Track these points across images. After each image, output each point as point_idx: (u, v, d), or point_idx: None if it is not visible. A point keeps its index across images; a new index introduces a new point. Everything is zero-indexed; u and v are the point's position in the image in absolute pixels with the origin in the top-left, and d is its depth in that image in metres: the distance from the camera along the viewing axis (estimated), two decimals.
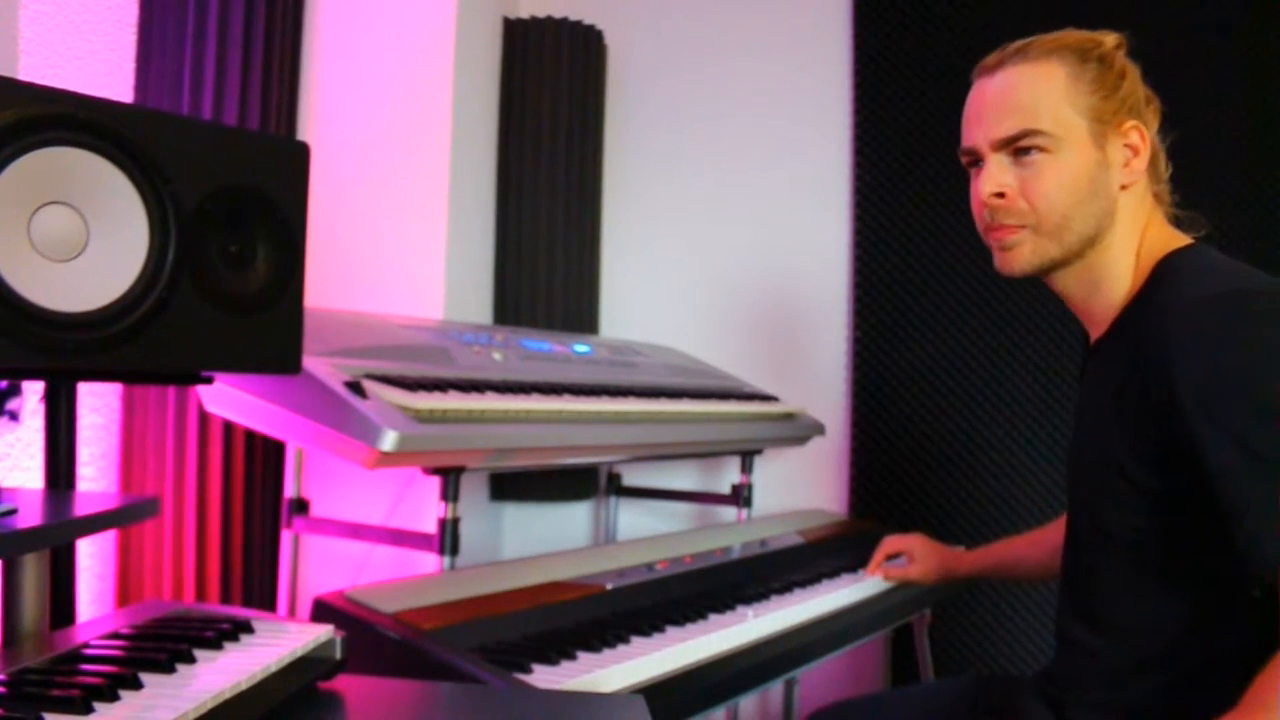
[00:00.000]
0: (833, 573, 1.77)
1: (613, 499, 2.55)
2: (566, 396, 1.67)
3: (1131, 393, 1.04)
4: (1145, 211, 1.14)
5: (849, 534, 2.15)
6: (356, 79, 2.21)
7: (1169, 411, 0.98)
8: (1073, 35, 1.13)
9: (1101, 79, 1.10)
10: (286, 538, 1.90)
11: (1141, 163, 1.12)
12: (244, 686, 0.78)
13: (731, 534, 2.00)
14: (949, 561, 1.71)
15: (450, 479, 1.53)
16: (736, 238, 2.58)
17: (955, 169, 1.21)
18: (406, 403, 1.38)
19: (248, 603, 2.03)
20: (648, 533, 2.42)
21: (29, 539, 0.85)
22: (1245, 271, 1.04)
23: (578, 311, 2.51)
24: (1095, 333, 1.17)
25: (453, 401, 1.46)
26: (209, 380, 1.14)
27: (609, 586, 1.50)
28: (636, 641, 1.29)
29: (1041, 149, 1.10)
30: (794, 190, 2.54)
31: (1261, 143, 2.13)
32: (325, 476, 1.98)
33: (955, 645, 2.29)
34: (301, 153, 1.16)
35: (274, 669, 0.83)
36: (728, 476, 2.44)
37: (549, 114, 2.45)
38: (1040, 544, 1.53)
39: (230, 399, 1.56)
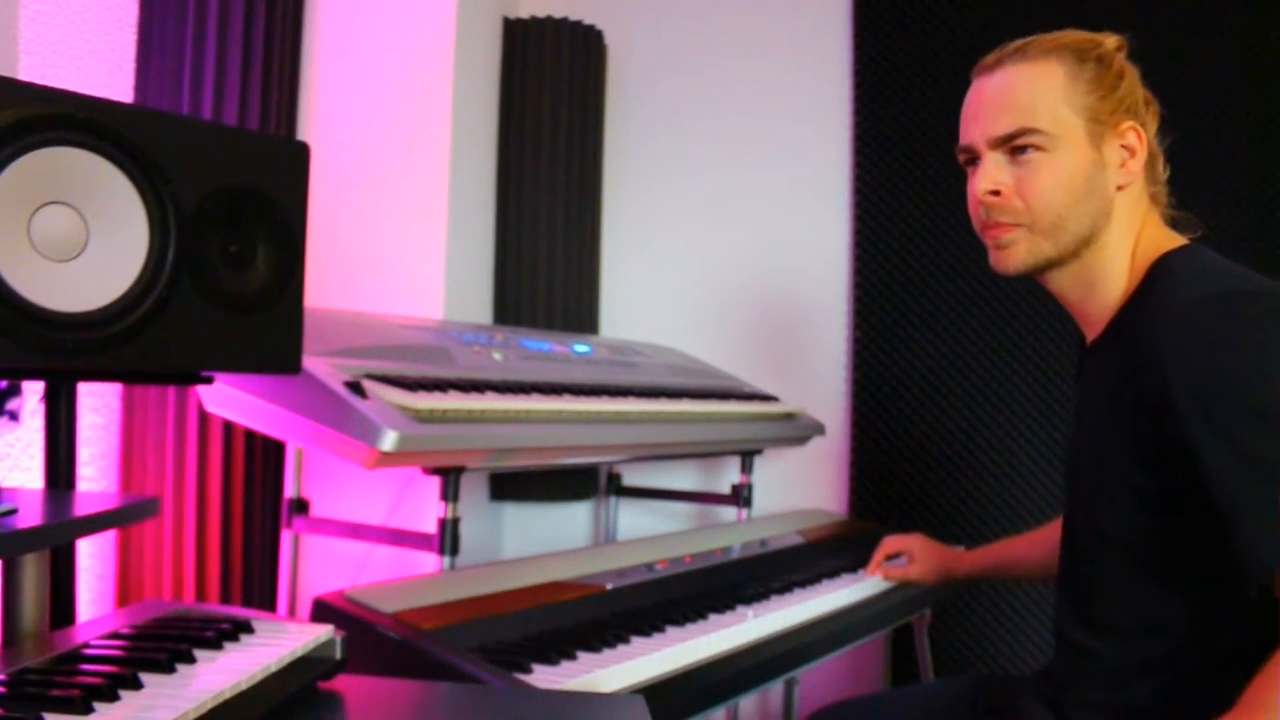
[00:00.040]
0: (833, 573, 1.77)
1: (613, 499, 2.55)
2: (566, 396, 1.67)
3: (1127, 394, 1.04)
4: (1141, 212, 1.14)
5: (849, 534, 2.15)
6: (356, 79, 2.21)
7: (1164, 413, 0.97)
8: (1072, 35, 1.13)
9: (1099, 79, 1.10)
10: (286, 538, 1.90)
11: (1138, 164, 1.12)
12: (244, 686, 0.78)
13: (731, 534, 2.00)
14: (949, 561, 1.71)
15: (450, 479, 1.53)
16: (736, 238, 2.58)
17: (955, 169, 1.21)
18: (406, 403, 1.38)
19: (248, 603, 2.03)
20: (648, 533, 2.42)
21: (29, 539, 0.85)
22: (1241, 273, 1.04)
23: (578, 311, 2.51)
24: (1091, 334, 1.17)
25: (453, 401, 1.46)
26: (209, 380, 1.14)
27: (609, 586, 1.50)
28: (636, 641, 1.29)
29: (1038, 148, 1.10)
30: (794, 190, 2.54)
31: (1261, 143, 2.13)
32: (325, 476, 1.98)
33: (955, 645, 2.29)
34: (301, 153, 1.16)
35: (274, 669, 0.83)
36: (728, 476, 2.44)
37: (549, 114, 2.45)
38: (1040, 544, 1.53)
39: (230, 399, 1.56)
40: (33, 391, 1.62)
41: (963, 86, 1.19)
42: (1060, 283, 1.16)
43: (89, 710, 0.69)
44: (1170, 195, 1.17)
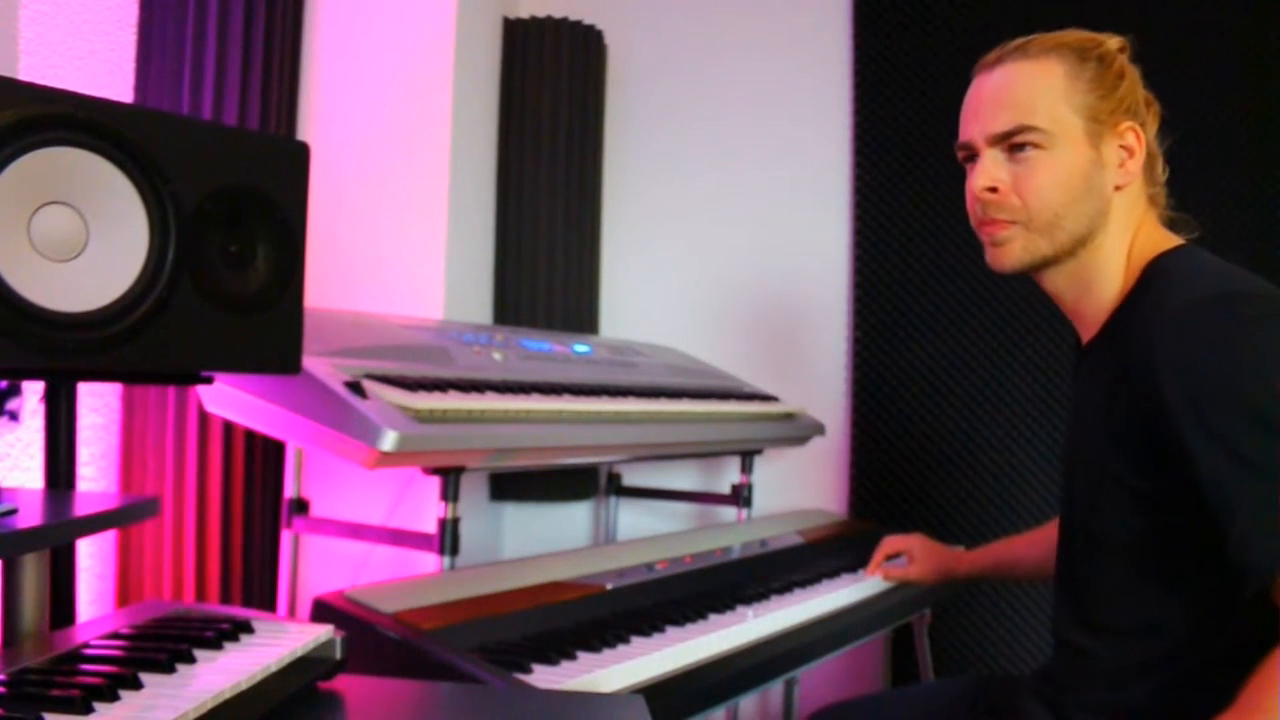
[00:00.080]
0: (833, 573, 1.77)
1: (613, 499, 2.55)
2: (566, 396, 1.67)
3: (1122, 395, 1.04)
4: (1139, 213, 1.14)
5: (849, 534, 2.15)
6: (356, 79, 2.21)
7: (1159, 414, 0.97)
8: (1074, 34, 1.13)
9: (1100, 79, 1.10)
10: (286, 538, 1.90)
11: (1136, 164, 1.12)
12: (244, 686, 0.78)
13: (731, 534, 2.00)
14: (949, 561, 1.71)
15: (450, 479, 1.53)
16: (736, 238, 2.58)
17: (955, 169, 1.21)
18: (406, 403, 1.38)
19: (248, 603, 2.03)
20: (648, 533, 2.42)
21: (29, 539, 0.85)
22: (1236, 274, 1.04)
23: (578, 311, 2.51)
24: (1086, 335, 1.17)
25: (453, 401, 1.46)
26: (209, 380, 1.14)
27: (609, 586, 1.50)
28: (636, 641, 1.29)
29: (1036, 145, 1.10)
30: (794, 190, 2.54)
31: (1261, 143, 2.13)
32: (325, 476, 1.98)
33: (955, 645, 2.29)
34: (301, 153, 1.16)
35: (274, 669, 0.83)
36: (728, 476, 2.44)
37: (549, 114, 2.45)
38: (1040, 543, 1.53)
39: (230, 399, 1.56)
40: (33, 391, 1.62)
41: (962, 86, 1.19)
42: (1055, 282, 1.16)
43: (89, 710, 0.69)
44: (1169, 196, 1.17)
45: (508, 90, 2.46)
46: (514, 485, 2.46)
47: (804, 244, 2.52)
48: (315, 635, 0.92)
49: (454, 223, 2.19)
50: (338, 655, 0.93)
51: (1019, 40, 1.14)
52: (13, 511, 0.86)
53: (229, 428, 1.97)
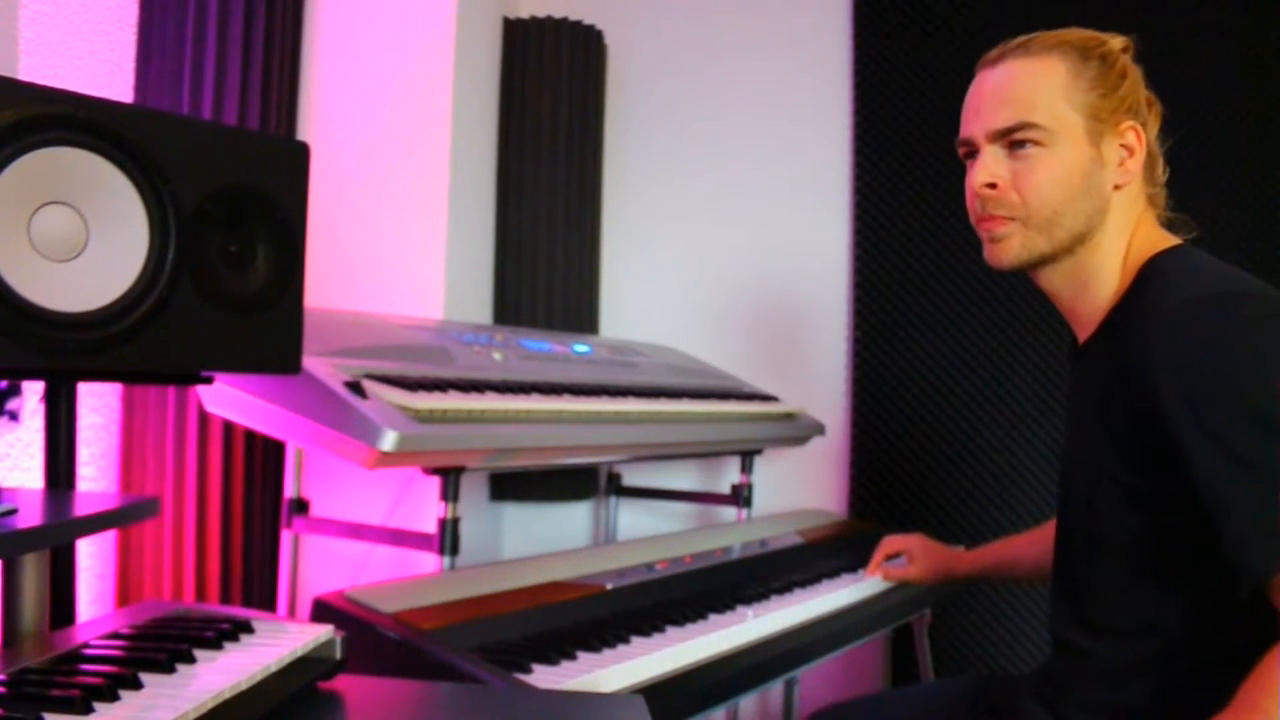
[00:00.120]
0: (832, 573, 1.77)
1: (613, 499, 2.55)
2: (566, 396, 1.67)
3: (1118, 395, 1.04)
4: (1137, 213, 1.14)
5: (849, 534, 2.15)
6: (356, 79, 2.21)
7: (1154, 414, 0.98)
8: (1077, 33, 1.13)
9: (1102, 77, 1.10)
10: (286, 538, 1.90)
11: (1136, 163, 1.12)
12: (244, 686, 0.78)
13: (731, 534, 2.00)
14: (948, 561, 1.71)
15: (450, 479, 1.53)
16: (736, 238, 2.58)
17: (955, 169, 1.21)
18: (406, 403, 1.38)
19: (248, 603, 2.03)
20: (648, 533, 2.42)
21: (29, 539, 0.85)
22: (1232, 274, 1.04)
23: (578, 311, 2.51)
24: (1083, 334, 1.17)
25: (453, 401, 1.46)
26: (209, 380, 1.14)
27: (609, 586, 1.50)
28: (636, 641, 1.29)
29: (1036, 142, 1.10)
30: (794, 190, 2.54)
31: (1261, 143, 2.13)
32: (325, 476, 1.98)
33: (955, 645, 2.29)
34: (301, 153, 1.16)
35: (274, 669, 0.83)
36: (728, 476, 2.44)
37: (549, 114, 2.45)
38: (1039, 543, 1.53)
39: (230, 399, 1.56)
40: (33, 391, 1.62)
41: (962, 86, 1.19)
42: (1052, 280, 1.16)
43: (89, 710, 0.69)
44: (1169, 197, 1.17)
45: (508, 90, 2.46)
46: (514, 485, 2.46)
47: (804, 244, 2.52)
48: (315, 635, 0.92)
49: (454, 223, 2.19)
50: (338, 655, 0.93)
51: (1022, 38, 1.14)
52: (13, 511, 0.86)
53: (229, 428, 1.97)
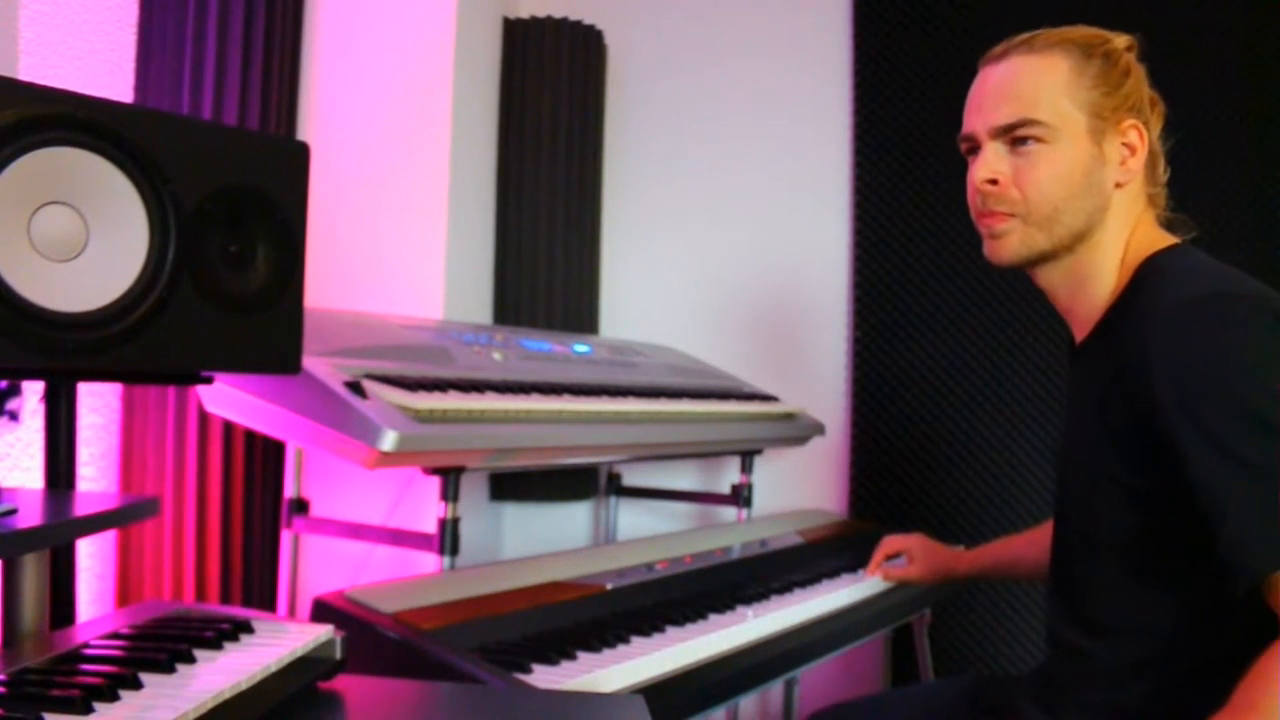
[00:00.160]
0: (832, 573, 1.77)
1: (613, 499, 2.55)
2: (566, 396, 1.67)
3: (1115, 394, 1.04)
4: (1137, 212, 1.14)
5: (849, 534, 2.15)
6: (356, 79, 2.21)
7: (1151, 413, 0.98)
8: (1080, 31, 1.13)
9: (1105, 75, 1.10)
10: (286, 538, 1.90)
11: (1138, 162, 1.12)
12: (244, 686, 0.78)
13: (731, 534, 2.00)
14: (948, 561, 1.71)
15: (450, 479, 1.53)
16: (736, 238, 2.58)
17: (955, 169, 1.21)
18: (406, 403, 1.38)
19: (248, 603, 2.03)
20: (648, 533, 2.42)
21: (29, 539, 0.85)
22: (1230, 274, 1.04)
23: (578, 311, 2.51)
24: (1080, 333, 1.17)
25: (453, 401, 1.46)
26: (209, 380, 1.14)
27: (609, 586, 1.50)
28: (636, 641, 1.29)
29: (1038, 139, 1.10)
30: (794, 190, 2.54)
31: (1261, 143, 2.13)
32: (325, 476, 1.98)
33: (955, 645, 2.29)
34: (301, 153, 1.16)
35: (274, 669, 0.83)
36: (728, 476, 2.44)
37: (549, 114, 2.45)
38: (1039, 543, 1.53)
39: (230, 399, 1.56)
40: (33, 391, 1.62)
41: (963, 86, 1.19)
42: (1051, 278, 1.16)
43: (89, 710, 0.69)
44: (1169, 197, 1.17)
45: (508, 90, 2.46)
46: (514, 485, 2.46)
47: (804, 244, 2.52)
48: (315, 635, 0.92)
49: (454, 223, 2.19)
50: (338, 655, 0.93)
51: (1025, 35, 1.14)
52: (13, 511, 0.86)
53: (229, 428, 1.97)
